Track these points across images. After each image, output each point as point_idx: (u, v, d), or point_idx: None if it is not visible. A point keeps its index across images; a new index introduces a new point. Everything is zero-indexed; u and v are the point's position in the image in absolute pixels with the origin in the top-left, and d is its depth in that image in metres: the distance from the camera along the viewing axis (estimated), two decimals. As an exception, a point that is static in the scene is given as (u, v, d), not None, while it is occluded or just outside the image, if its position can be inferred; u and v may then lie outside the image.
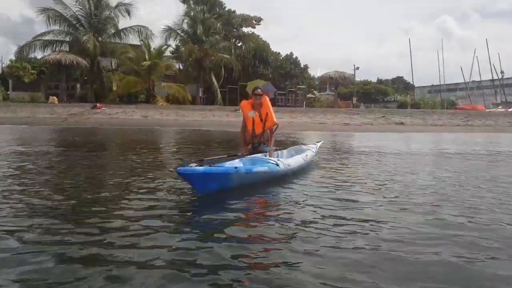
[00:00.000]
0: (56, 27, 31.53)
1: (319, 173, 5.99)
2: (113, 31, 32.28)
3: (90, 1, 31.79)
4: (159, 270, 2.15)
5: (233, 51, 34.54)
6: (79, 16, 31.94)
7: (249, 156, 5.82)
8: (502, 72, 56.10)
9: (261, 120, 6.13)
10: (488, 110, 39.83)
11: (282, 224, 3.09)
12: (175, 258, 2.33)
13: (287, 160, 5.62)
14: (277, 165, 5.18)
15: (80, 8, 31.76)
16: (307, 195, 4.30)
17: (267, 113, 6.09)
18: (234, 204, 3.78)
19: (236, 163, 5.17)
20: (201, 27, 33.96)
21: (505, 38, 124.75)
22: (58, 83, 33.64)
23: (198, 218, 3.32)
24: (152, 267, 2.19)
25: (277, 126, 6.36)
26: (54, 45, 31.66)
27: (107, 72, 33.26)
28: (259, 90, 6.29)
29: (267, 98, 6.40)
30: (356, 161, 7.59)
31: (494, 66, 54.51)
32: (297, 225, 3.07)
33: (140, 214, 3.25)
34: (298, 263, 2.29)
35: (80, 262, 2.22)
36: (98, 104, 24.00)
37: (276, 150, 6.40)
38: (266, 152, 6.00)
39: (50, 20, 30.29)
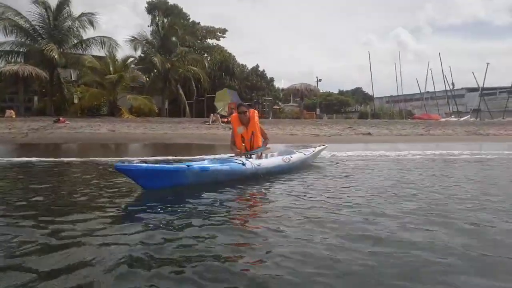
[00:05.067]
0: (12, 37, 29.98)
1: (303, 176, 6.11)
2: (75, 41, 31.10)
3: (49, 11, 30.48)
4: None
5: (206, 64, 34.31)
6: (37, 27, 30.57)
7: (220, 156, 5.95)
8: (452, 83, 59.74)
9: (248, 137, 6.26)
10: (444, 119, 42.05)
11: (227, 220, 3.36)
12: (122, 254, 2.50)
13: (257, 160, 5.74)
14: (243, 164, 5.28)
15: (37, 18, 30.41)
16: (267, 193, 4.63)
17: (252, 132, 6.24)
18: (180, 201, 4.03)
19: (205, 162, 5.39)
20: (167, 38, 33.55)
21: (453, 52, 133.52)
22: (13, 96, 31.94)
23: (144, 215, 3.54)
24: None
25: (263, 149, 6.49)
26: (10, 56, 30.07)
27: (67, 84, 31.99)
28: (244, 108, 6.38)
29: (256, 114, 6.46)
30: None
31: (446, 78, 57.87)
32: (243, 221, 3.38)
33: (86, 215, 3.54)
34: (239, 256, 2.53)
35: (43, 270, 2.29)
36: (61, 118, 22.93)
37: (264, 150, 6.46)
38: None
39: (7, 29, 28.68)
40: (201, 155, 10.98)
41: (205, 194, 4.38)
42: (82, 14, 30.68)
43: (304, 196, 4.48)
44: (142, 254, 2.52)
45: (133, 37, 33.31)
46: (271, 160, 6.15)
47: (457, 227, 3.20)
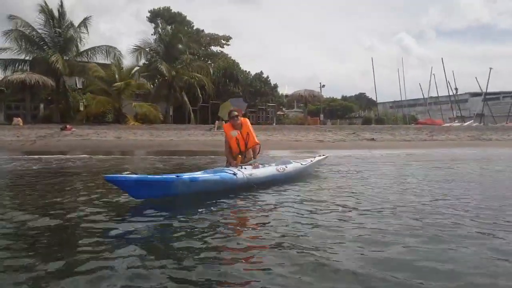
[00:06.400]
0: (19, 45, 30.30)
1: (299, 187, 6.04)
2: (80, 49, 31.45)
3: (54, 20, 30.89)
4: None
5: (211, 70, 34.60)
6: (43, 35, 30.97)
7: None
8: (456, 88, 59.79)
9: (243, 138, 6.41)
10: (448, 124, 42.06)
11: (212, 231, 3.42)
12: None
13: (249, 171, 5.69)
14: (235, 174, 5.34)
15: (42, 27, 30.76)
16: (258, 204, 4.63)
17: (247, 133, 6.44)
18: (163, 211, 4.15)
19: (197, 173, 5.43)
20: (172, 46, 33.90)
21: (457, 56, 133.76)
22: (19, 104, 32.36)
23: (133, 225, 3.68)
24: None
25: (260, 147, 6.70)
26: (17, 64, 30.46)
27: (72, 92, 32.36)
28: (235, 112, 6.56)
29: (247, 120, 6.64)
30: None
31: (449, 83, 57.95)
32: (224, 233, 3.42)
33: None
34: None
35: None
36: (67, 126, 23.18)
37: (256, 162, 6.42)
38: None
39: (17, 40, 29.13)
40: (209, 162, 11.14)
41: (194, 205, 4.47)
42: (83, 20, 31.13)
43: (292, 207, 4.46)
44: (125, 264, 2.56)
45: (137, 46, 33.69)
46: (264, 170, 6.01)
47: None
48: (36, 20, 30.44)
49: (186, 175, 5.00)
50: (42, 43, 30.85)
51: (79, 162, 11.09)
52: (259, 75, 41.10)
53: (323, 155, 8.22)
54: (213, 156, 12.36)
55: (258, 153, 6.67)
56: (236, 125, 6.40)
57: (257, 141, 6.53)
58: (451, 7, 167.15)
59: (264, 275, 2.39)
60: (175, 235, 3.32)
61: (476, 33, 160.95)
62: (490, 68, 55.82)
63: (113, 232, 3.34)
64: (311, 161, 7.34)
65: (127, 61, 32.83)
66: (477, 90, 57.98)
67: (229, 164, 6.24)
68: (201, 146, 18.78)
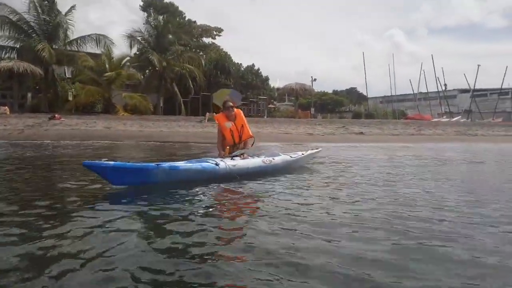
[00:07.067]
0: (5, 33, 29.77)
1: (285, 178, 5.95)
2: (69, 38, 30.99)
3: (44, 7, 30.35)
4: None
5: (203, 62, 34.43)
6: (31, 23, 30.42)
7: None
8: (445, 84, 60.50)
9: (238, 130, 6.36)
10: (436, 120, 42.63)
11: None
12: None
13: (232, 161, 5.64)
14: (217, 164, 5.33)
15: (30, 14, 30.17)
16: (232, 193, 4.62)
17: (242, 125, 6.38)
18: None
19: (179, 162, 5.38)
20: (163, 36, 33.62)
21: (448, 53, 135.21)
22: (5, 92, 31.85)
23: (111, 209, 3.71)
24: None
25: (254, 140, 6.59)
26: (4, 51, 29.92)
27: (61, 81, 31.93)
28: (230, 103, 6.48)
29: (241, 111, 6.60)
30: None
31: (438, 79, 58.58)
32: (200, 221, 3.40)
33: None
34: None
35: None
36: (56, 115, 22.94)
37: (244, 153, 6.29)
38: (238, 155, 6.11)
39: (1, 26, 28.61)
40: (200, 153, 11.18)
41: (172, 194, 4.44)
42: (71, 8, 30.75)
43: (275, 199, 4.39)
44: (99, 256, 2.49)
45: (129, 34, 33.36)
46: (249, 161, 5.88)
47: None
48: (24, 7, 29.95)
49: (166, 164, 4.97)
50: (30, 31, 30.33)
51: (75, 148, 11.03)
52: (250, 68, 41.05)
53: (316, 149, 8.06)
54: (206, 144, 12.31)
55: (252, 146, 6.58)
56: (230, 116, 6.29)
57: (251, 134, 6.44)
58: (443, 6, 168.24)
59: (245, 272, 2.31)
60: (152, 224, 3.28)
61: (466, 31, 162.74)
62: (478, 65, 56.46)
63: (88, 221, 3.25)
64: (303, 154, 7.21)
65: (118, 50, 32.54)
66: (466, 86, 58.72)
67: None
68: (192, 138, 18.75)
